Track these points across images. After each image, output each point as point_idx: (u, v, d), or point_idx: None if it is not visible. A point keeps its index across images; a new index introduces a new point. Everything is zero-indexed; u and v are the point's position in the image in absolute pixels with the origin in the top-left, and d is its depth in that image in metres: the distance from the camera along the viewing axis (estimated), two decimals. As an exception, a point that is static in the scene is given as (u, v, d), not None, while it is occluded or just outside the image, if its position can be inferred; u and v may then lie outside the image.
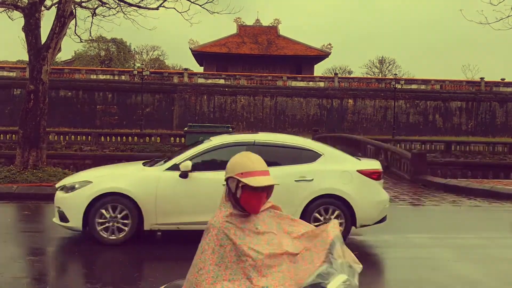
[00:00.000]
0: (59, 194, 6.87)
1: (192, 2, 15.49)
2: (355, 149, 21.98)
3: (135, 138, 29.26)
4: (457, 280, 5.62)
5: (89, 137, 29.02)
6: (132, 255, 6.41)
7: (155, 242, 7.12)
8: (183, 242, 6.91)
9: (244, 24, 54.52)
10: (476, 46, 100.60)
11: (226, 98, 45.93)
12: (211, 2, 15.63)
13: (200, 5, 15.51)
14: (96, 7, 16.11)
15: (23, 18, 13.30)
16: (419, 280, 5.65)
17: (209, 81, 46.30)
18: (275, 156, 6.90)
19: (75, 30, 16.35)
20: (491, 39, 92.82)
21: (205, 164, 6.79)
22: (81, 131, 32.14)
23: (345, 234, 6.64)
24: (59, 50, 13.54)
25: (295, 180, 6.72)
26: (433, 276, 5.75)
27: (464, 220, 9.79)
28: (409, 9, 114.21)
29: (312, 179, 6.78)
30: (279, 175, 6.03)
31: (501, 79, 49.18)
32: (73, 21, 14.93)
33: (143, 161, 7.73)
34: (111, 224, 6.58)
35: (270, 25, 54.86)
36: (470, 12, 16.01)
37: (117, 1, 15.59)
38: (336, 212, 6.78)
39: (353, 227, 6.97)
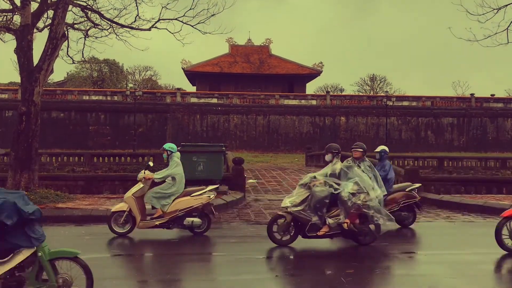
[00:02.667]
0: None
1: (184, 23, 15.61)
2: (349, 166, 21.98)
3: (128, 158, 29.12)
4: (454, 297, 5.58)
5: (82, 158, 28.82)
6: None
7: None
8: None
9: (236, 43, 54.96)
10: (465, 62, 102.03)
11: (219, 117, 46.00)
12: (203, 22, 15.76)
13: (192, 26, 15.64)
14: (89, 29, 16.20)
15: (15, 40, 13.33)
16: (416, 297, 5.60)
17: (202, 100, 46.42)
18: None
19: (67, 51, 16.40)
20: (480, 55, 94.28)
21: None
22: (73, 152, 31.93)
23: None
24: (51, 71, 13.55)
25: None
26: (430, 293, 5.71)
27: (459, 236, 9.77)
28: (399, 27, 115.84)
29: None
30: None
31: (491, 95, 49.74)
32: (65, 43, 14.99)
33: None
34: None
35: (262, 44, 55.34)
36: (459, 29, 16.27)
37: (110, 23, 15.69)
38: None
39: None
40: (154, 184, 9.28)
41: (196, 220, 8.95)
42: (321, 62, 52.53)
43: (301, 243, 8.02)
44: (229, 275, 6.45)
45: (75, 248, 4.92)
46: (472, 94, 49.30)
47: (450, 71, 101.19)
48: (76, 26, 16.04)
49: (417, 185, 10.82)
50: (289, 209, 7.93)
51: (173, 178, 9.13)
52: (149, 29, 15.57)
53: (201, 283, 6.06)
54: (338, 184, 7.92)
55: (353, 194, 7.84)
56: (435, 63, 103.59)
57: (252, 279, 6.31)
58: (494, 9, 14.61)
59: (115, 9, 16.20)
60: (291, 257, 7.64)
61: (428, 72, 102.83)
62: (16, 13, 13.99)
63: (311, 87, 69.00)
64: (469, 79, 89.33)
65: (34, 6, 14.02)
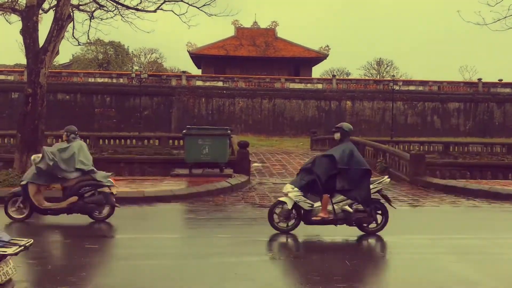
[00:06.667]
0: None
1: (190, 5, 15.51)
2: (354, 150, 21.96)
3: (134, 141, 29.18)
4: (458, 281, 5.61)
5: (88, 140, 28.85)
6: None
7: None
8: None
9: (242, 26, 54.55)
10: (473, 47, 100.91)
11: (224, 101, 45.91)
12: (209, 4, 15.67)
13: (198, 8, 15.54)
14: (94, 10, 16.11)
15: (21, 22, 13.29)
16: (420, 281, 5.63)
17: (207, 83, 46.28)
18: None
19: (73, 33, 16.34)
20: (488, 40, 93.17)
21: None
22: (79, 134, 32.04)
23: None
24: (57, 53, 13.53)
25: None
26: (434, 277, 5.74)
27: (464, 220, 9.79)
28: (406, 10, 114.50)
29: None
30: None
31: (499, 80, 49.27)
32: (71, 24, 14.92)
33: None
34: None
35: (268, 27, 54.90)
36: (468, 13, 16.04)
37: (115, 4, 15.60)
38: None
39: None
40: None
41: None
42: (327, 46, 52.13)
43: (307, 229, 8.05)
44: (234, 257, 6.51)
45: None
46: (479, 79, 48.85)
47: (458, 55, 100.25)
48: (81, 7, 15.95)
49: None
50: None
51: None
52: (154, 11, 15.48)
53: (206, 264, 6.12)
54: None
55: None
56: (443, 47, 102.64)
57: (257, 260, 6.36)
58: (504, -8, 14.38)
59: (120, -10, 16.08)
60: (295, 240, 7.68)
61: (435, 56, 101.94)
62: (22, -7, 13.92)
63: (317, 71, 68.68)
64: (476, 64, 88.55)
65: (39, -14, 13.92)
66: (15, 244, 4.65)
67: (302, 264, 6.30)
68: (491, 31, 16.16)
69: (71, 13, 14.28)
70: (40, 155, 8.47)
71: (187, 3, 15.45)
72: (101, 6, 15.84)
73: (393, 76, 58.24)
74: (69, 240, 7.47)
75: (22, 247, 4.64)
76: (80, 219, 8.54)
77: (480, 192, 12.53)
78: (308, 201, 7.66)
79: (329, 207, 7.63)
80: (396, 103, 45.24)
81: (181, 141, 26.31)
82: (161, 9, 15.50)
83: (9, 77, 44.72)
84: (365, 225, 7.81)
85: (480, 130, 46.64)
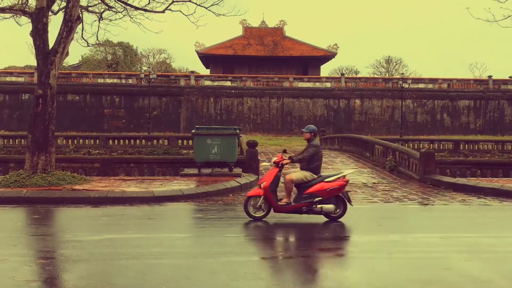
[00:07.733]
0: None
1: (198, 5, 15.56)
2: (363, 149, 21.90)
3: (143, 141, 29.35)
4: (469, 280, 5.57)
5: (97, 140, 29.14)
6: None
7: None
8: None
9: (249, 25, 54.55)
10: (483, 44, 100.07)
11: (232, 100, 45.96)
12: (217, 4, 15.69)
13: (206, 8, 15.58)
14: (103, 11, 16.22)
15: (30, 24, 13.41)
16: (430, 280, 5.60)
17: (216, 83, 46.37)
18: None
19: (82, 34, 16.47)
20: (498, 36, 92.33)
21: None
22: (89, 135, 32.27)
23: None
24: (67, 54, 13.64)
25: None
26: (445, 275, 5.71)
27: (474, 219, 9.71)
28: (415, 8, 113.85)
29: None
30: None
31: (509, 77, 48.80)
32: (80, 26, 15.04)
33: None
34: None
35: (276, 26, 54.85)
36: (477, 9, 15.93)
37: (123, 5, 15.68)
38: None
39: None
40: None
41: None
42: (336, 44, 51.96)
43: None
44: (243, 256, 6.51)
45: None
46: (489, 76, 48.43)
47: (467, 52, 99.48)
48: (90, 8, 16.06)
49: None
50: None
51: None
52: (163, 11, 15.54)
53: (216, 263, 6.13)
54: None
55: None
56: (452, 45, 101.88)
57: (265, 258, 6.36)
58: (515, -12, 14.25)
59: (128, -9, 16.15)
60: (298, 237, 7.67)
61: (445, 53, 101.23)
62: (31, -4, 14.04)
63: (326, 70, 68.54)
64: (486, 61, 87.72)
65: (48, -12, 14.03)
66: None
67: (312, 262, 6.29)
68: (501, 28, 16.03)
69: (80, 15, 14.38)
70: None
71: (195, 3, 15.51)
72: (109, 7, 15.94)
73: (402, 74, 58.02)
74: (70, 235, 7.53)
75: None
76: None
77: (491, 190, 12.43)
78: None
79: None
80: (405, 101, 45.02)
81: (190, 141, 26.41)
82: (169, 9, 15.56)
83: (19, 79, 45.13)
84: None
85: (490, 128, 46.25)
